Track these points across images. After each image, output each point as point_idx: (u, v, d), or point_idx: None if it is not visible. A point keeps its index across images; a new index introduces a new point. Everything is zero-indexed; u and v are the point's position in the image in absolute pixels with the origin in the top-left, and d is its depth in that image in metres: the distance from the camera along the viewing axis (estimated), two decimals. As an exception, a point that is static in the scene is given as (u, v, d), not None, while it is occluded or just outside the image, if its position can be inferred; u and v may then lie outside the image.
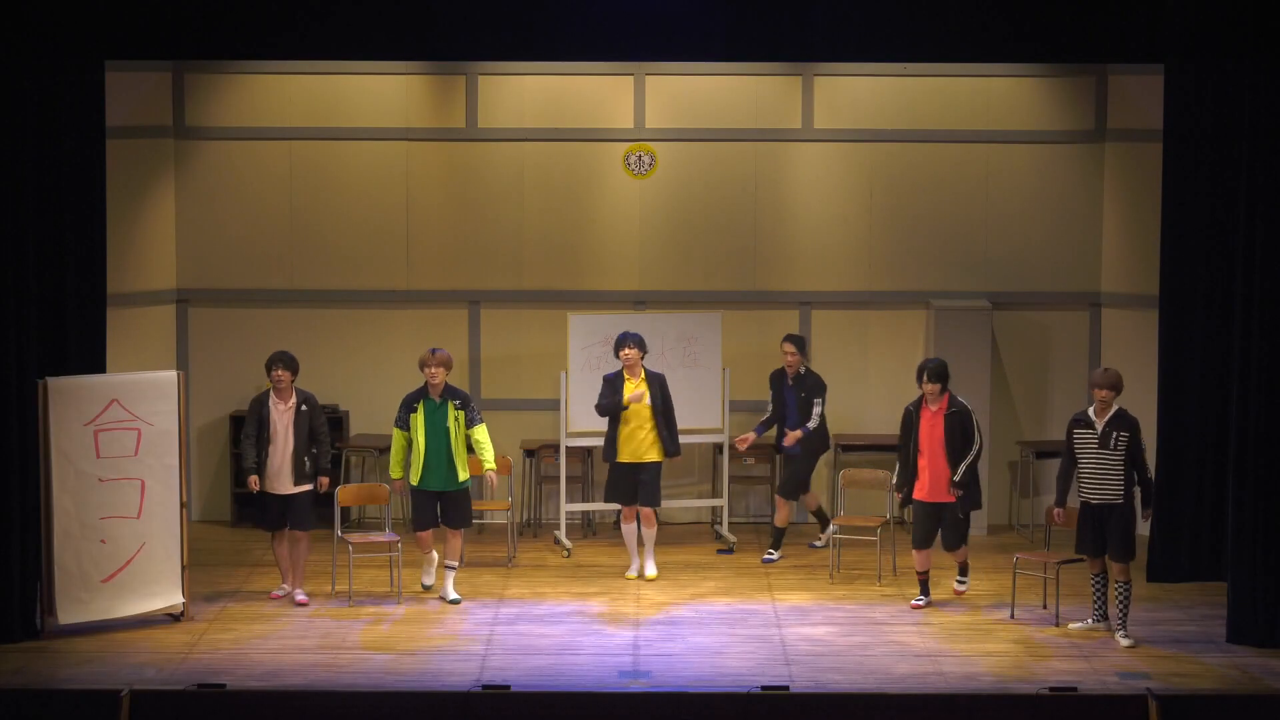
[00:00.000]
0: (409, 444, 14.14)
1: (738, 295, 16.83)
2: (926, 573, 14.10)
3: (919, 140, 16.71)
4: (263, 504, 14.23)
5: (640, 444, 14.82)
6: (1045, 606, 13.97)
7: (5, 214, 13.12)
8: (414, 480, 14.15)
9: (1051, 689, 11.96)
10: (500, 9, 13.34)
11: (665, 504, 16.73)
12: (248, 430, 14.14)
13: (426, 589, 14.44)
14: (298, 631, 13.44)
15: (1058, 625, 13.57)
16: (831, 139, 16.77)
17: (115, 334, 14.51)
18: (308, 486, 14.15)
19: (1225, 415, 13.73)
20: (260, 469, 14.07)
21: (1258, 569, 13.15)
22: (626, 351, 14.81)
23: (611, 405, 14.79)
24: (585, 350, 15.93)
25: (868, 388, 16.86)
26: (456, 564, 14.32)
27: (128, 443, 13.50)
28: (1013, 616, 13.82)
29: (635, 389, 14.78)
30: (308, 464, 14.12)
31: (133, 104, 16.19)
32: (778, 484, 15.99)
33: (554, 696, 12.00)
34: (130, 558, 13.53)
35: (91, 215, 13.66)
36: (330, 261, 16.89)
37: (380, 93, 16.77)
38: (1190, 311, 14.14)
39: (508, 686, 12.03)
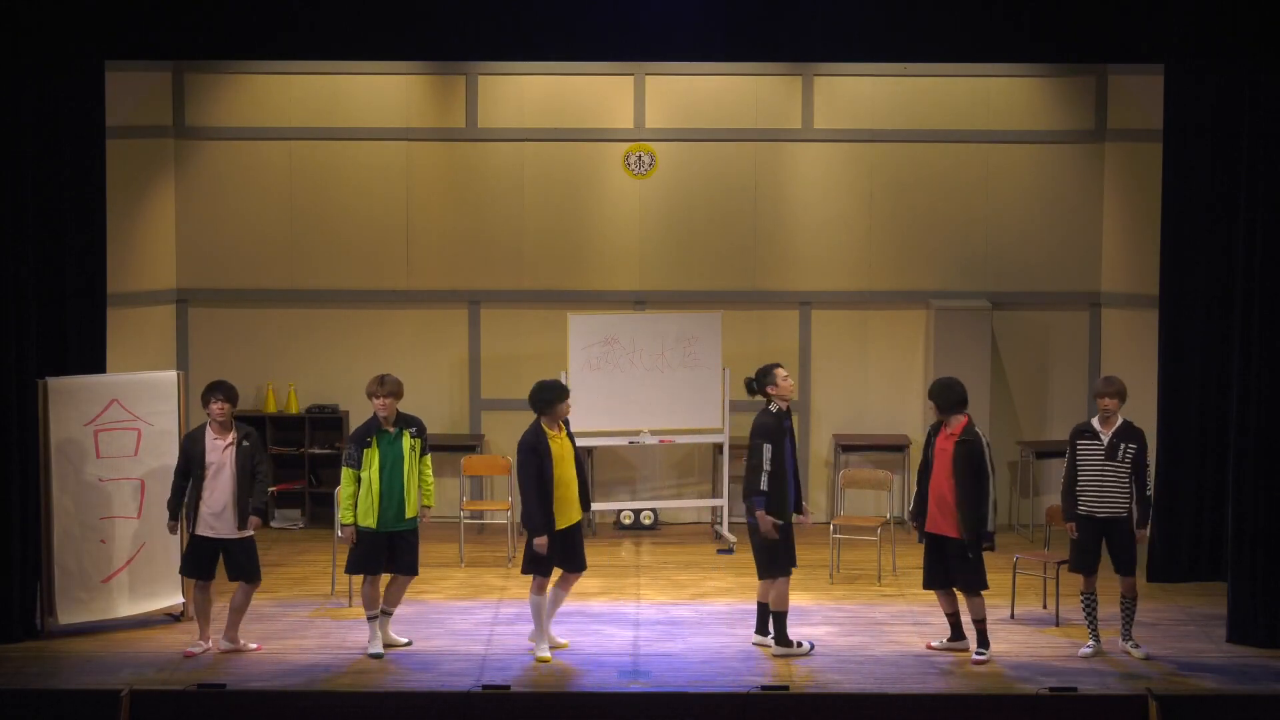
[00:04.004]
0: (359, 483, 12.79)
1: (738, 295, 16.83)
2: (955, 613, 12.98)
3: (919, 140, 16.71)
4: (194, 547, 12.89)
5: (570, 506, 12.84)
6: (1045, 607, 13.97)
7: (5, 214, 13.12)
8: (362, 521, 12.78)
9: (1051, 689, 11.96)
10: (500, 9, 13.34)
11: (666, 504, 16.79)
12: (178, 468, 12.91)
13: (375, 657, 12.81)
14: (298, 631, 13.44)
15: (1058, 625, 13.57)
16: (831, 139, 16.78)
17: (115, 334, 14.52)
18: (251, 531, 12.91)
19: (1225, 415, 13.75)
20: (192, 511, 12.82)
21: (1258, 569, 13.14)
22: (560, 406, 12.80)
23: (542, 474, 12.64)
24: (585, 350, 15.92)
25: (868, 388, 16.87)
26: (393, 610, 13.09)
27: (128, 443, 13.50)
28: (1013, 616, 13.82)
29: (559, 445, 12.74)
30: (251, 505, 12.84)
31: (133, 104, 16.20)
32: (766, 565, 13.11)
33: (554, 696, 12.01)
34: (130, 558, 13.53)
35: (91, 215, 13.67)
36: (330, 261, 16.90)
37: (380, 93, 16.77)
38: (1190, 311, 14.15)
39: (508, 686, 12.03)
